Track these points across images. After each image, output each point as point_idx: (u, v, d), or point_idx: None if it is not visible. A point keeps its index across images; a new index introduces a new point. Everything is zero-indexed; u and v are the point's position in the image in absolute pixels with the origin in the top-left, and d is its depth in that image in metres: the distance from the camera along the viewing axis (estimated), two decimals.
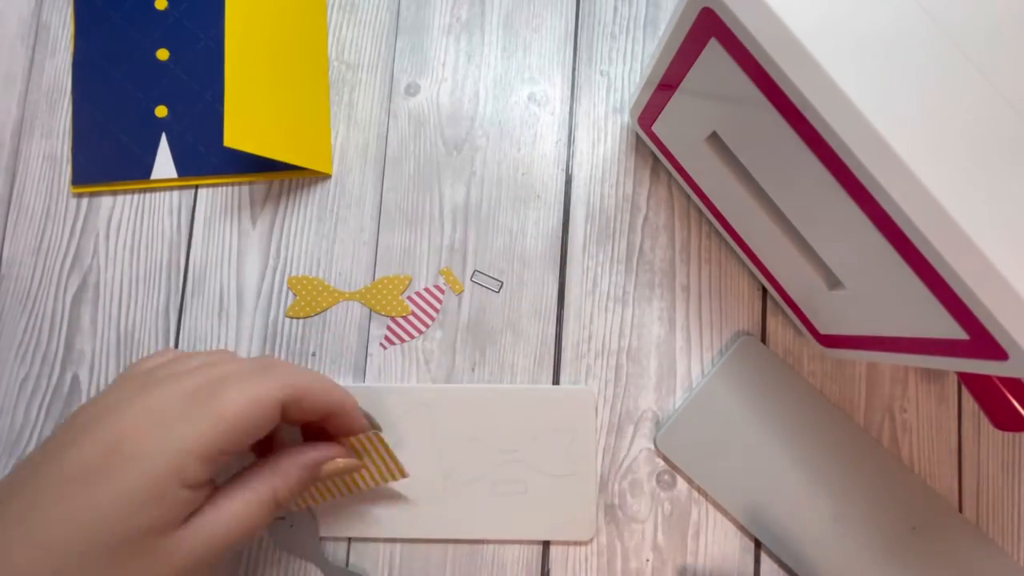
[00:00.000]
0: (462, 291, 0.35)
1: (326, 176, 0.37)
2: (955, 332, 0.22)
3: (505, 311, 0.35)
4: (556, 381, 0.35)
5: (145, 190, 0.37)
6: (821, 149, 0.22)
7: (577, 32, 0.38)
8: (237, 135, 0.31)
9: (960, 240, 0.20)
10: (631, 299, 0.35)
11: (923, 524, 0.33)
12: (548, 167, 0.36)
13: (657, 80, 0.29)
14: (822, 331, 0.32)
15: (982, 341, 0.21)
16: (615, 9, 0.38)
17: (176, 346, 0.35)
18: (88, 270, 0.36)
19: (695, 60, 0.25)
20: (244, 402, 0.24)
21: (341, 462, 0.29)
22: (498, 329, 0.35)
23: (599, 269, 0.36)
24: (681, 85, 0.28)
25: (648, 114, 0.32)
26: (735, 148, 0.28)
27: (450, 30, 0.38)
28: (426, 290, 0.35)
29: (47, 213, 0.36)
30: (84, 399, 0.35)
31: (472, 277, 0.36)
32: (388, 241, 0.36)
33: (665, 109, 0.30)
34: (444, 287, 0.36)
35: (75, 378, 0.35)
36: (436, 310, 0.35)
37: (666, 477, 0.34)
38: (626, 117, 0.37)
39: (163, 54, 0.37)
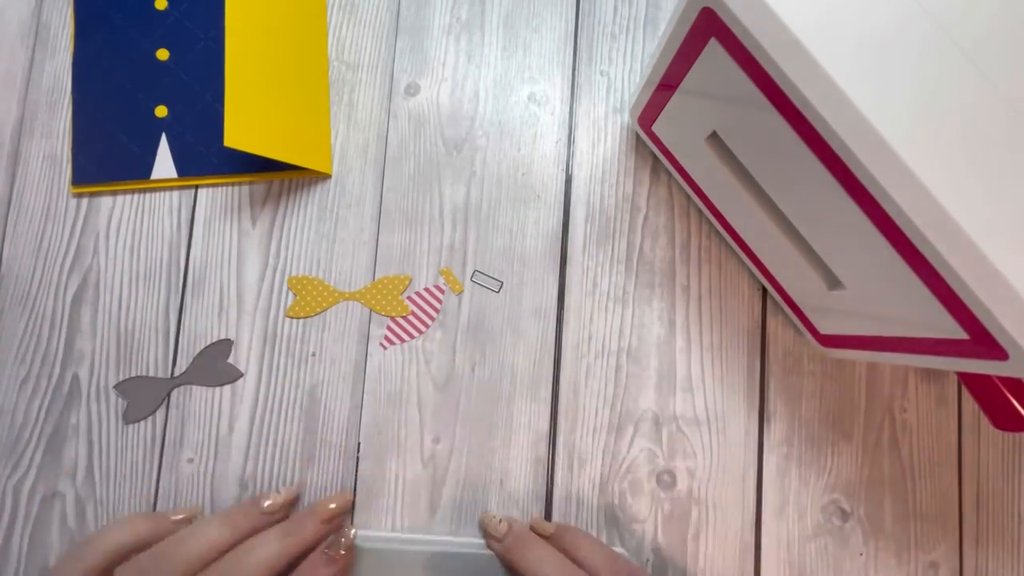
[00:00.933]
0: (462, 291, 0.35)
1: (326, 176, 0.37)
2: (955, 332, 0.22)
3: (505, 311, 0.35)
4: (556, 381, 0.35)
5: (145, 190, 0.37)
6: (821, 148, 0.22)
7: (577, 32, 0.38)
8: (237, 135, 0.31)
9: (960, 239, 0.20)
10: (631, 299, 0.35)
11: None
12: (548, 167, 0.36)
13: (657, 80, 0.29)
14: (822, 331, 0.32)
15: (982, 341, 0.21)
16: (615, 9, 0.38)
17: (176, 346, 0.35)
18: (88, 270, 0.36)
19: (695, 60, 0.25)
20: None
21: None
22: (498, 329, 0.35)
23: (599, 269, 0.36)
24: (681, 85, 0.28)
25: (648, 114, 0.32)
26: (735, 148, 0.28)
27: (450, 30, 0.38)
28: (426, 290, 0.35)
29: (47, 213, 0.36)
30: (84, 399, 0.35)
31: (472, 277, 0.36)
32: (388, 241, 0.36)
33: (665, 109, 0.30)
34: (444, 287, 0.36)
35: (75, 378, 0.35)
36: (436, 310, 0.35)
37: (666, 477, 0.34)
38: (626, 117, 0.37)
39: (163, 54, 0.37)
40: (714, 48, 0.24)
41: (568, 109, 0.37)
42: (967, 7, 0.21)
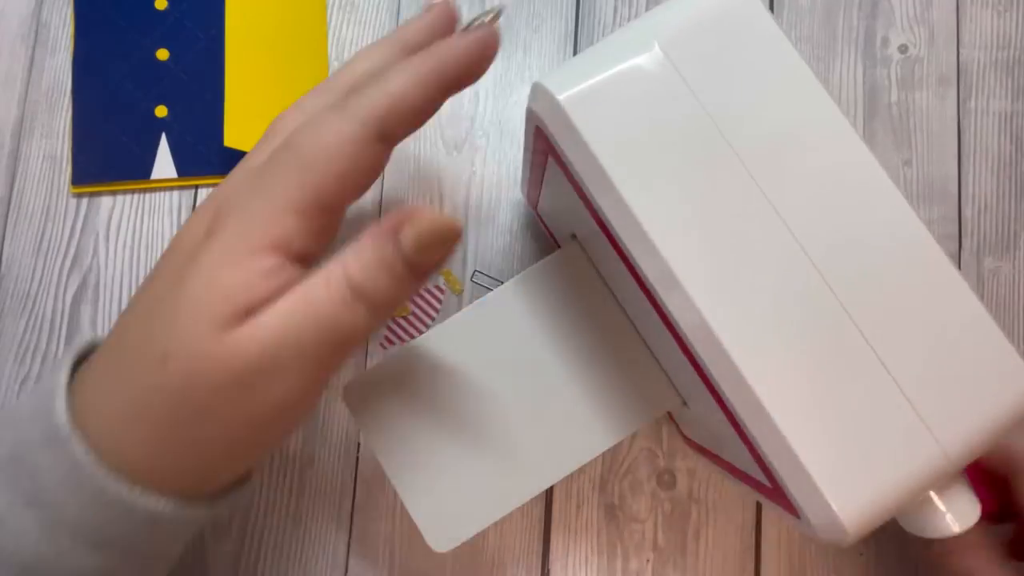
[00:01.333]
0: (462, 291, 0.36)
1: None
2: (762, 478, 0.22)
3: None
4: None
5: (145, 190, 0.37)
6: (634, 271, 0.21)
7: (577, 32, 0.38)
8: (237, 135, 0.31)
9: (762, 414, 0.19)
10: None
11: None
12: None
13: (527, 175, 0.29)
14: (685, 433, 0.32)
15: (781, 496, 0.21)
16: (615, 9, 0.38)
17: None
18: (88, 270, 0.36)
19: (544, 170, 0.25)
20: (323, 145, 0.20)
21: (427, 219, 0.20)
22: None
23: None
24: (541, 195, 0.28)
25: (531, 194, 0.31)
26: (589, 251, 0.27)
27: None
28: (426, 290, 0.35)
29: (47, 213, 0.36)
30: None
31: (472, 277, 0.36)
32: None
33: (540, 197, 0.30)
34: (444, 287, 0.36)
35: None
36: (436, 310, 0.35)
37: (666, 477, 0.34)
38: None
39: (163, 54, 0.37)
40: (553, 165, 0.23)
41: None
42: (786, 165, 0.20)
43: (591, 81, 0.20)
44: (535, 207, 0.33)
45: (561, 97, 0.20)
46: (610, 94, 0.20)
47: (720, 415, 0.21)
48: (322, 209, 0.21)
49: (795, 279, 0.19)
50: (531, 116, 0.22)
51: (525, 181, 0.31)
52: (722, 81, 0.20)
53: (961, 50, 0.37)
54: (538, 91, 0.21)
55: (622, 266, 0.22)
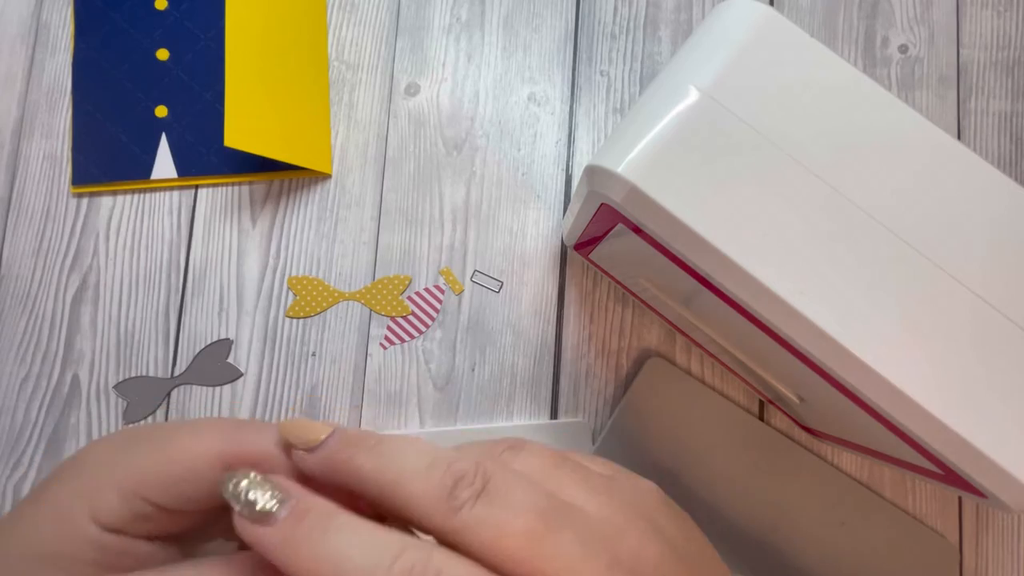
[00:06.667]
0: (462, 291, 0.35)
1: (326, 176, 0.37)
2: (928, 466, 0.21)
3: (505, 311, 0.35)
4: (556, 382, 0.35)
5: (145, 190, 0.37)
6: (744, 311, 0.21)
7: (577, 32, 0.38)
8: (237, 135, 0.31)
9: (907, 404, 0.19)
10: (631, 299, 0.35)
11: (850, 518, 0.33)
12: (548, 167, 0.36)
13: (576, 239, 0.29)
14: (804, 423, 0.32)
15: (957, 481, 0.20)
16: (615, 9, 0.38)
17: (176, 345, 0.35)
18: (88, 270, 0.36)
19: (606, 234, 0.25)
20: (172, 450, 0.21)
21: None
22: (498, 329, 0.35)
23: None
24: (599, 247, 0.28)
25: (583, 248, 0.31)
26: (663, 292, 0.27)
27: (450, 30, 0.38)
28: (426, 290, 0.35)
29: (47, 213, 0.36)
30: (84, 399, 0.35)
31: (472, 277, 0.36)
32: (388, 241, 0.36)
33: (594, 251, 0.30)
34: (444, 287, 0.36)
35: (75, 378, 0.35)
36: (436, 310, 0.35)
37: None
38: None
39: (163, 54, 0.37)
40: (621, 228, 0.23)
41: (568, 109, 0.37)
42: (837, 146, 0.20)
43: (643, 144, 0.20)
44: (584, 253, 0.33)
45: (620, 169, 0.19)
46: (667, 150, 0.20)
47: (866, 417, 0.21)
48: (147, 500, 0.20)
49: (913, 276, 0.19)
50: (593, 196, 0.22)
51: (573, 234, 0.30)
52: (770, 102, 0.20)
53: (961, 50, 0.37)
54: (595, 173, 0.21)
55: (711, 300, 0.22)
